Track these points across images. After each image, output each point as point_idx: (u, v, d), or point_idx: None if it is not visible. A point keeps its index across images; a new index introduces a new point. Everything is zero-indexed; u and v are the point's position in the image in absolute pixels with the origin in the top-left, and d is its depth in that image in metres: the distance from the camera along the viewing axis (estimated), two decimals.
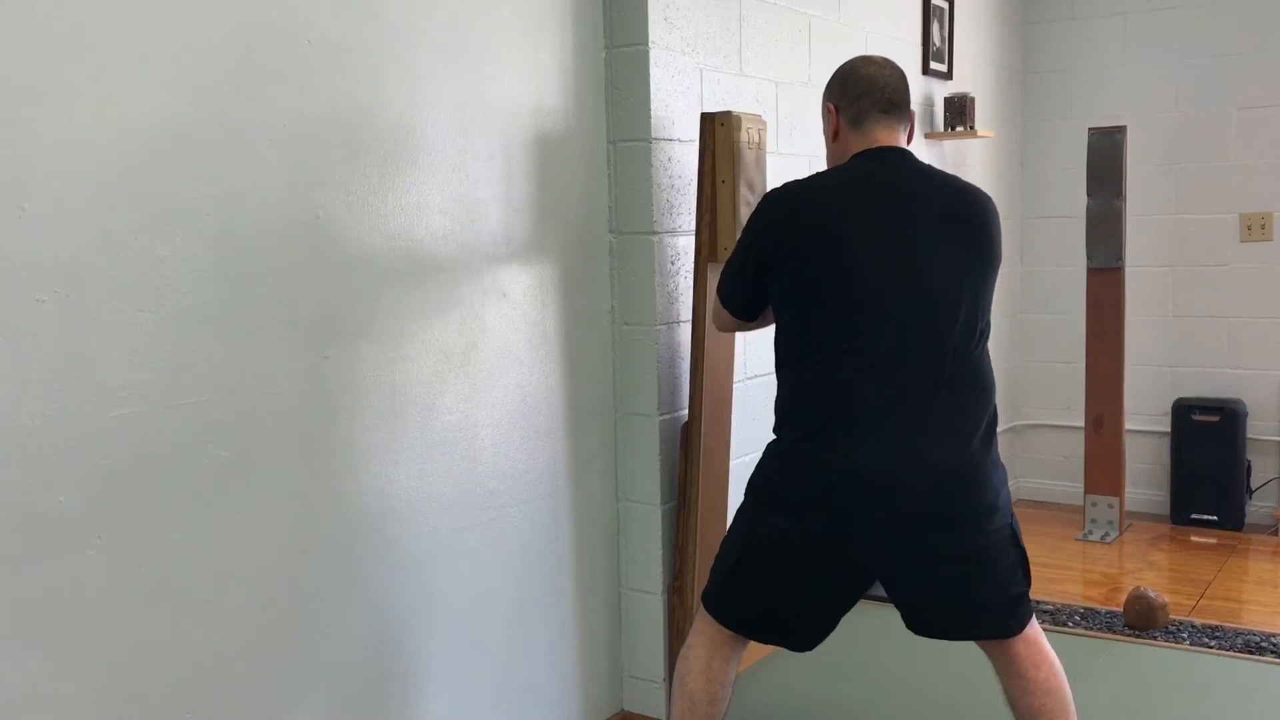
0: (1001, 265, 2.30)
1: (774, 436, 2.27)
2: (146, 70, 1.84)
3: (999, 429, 2.26)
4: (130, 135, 1.82)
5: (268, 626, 2.07)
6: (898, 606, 2.30)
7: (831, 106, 2.33)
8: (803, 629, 2.30)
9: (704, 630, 2.32)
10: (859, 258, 2.14)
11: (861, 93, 2.27)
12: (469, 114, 2.45)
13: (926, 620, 2.28)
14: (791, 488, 2.20)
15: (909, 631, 2.30)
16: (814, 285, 2.17)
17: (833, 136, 2.34)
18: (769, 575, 2.25)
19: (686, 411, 2.92)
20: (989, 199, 2.28)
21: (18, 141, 1.68)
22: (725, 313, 2.40)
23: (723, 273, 2.38)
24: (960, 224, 2.20)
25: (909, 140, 2.32)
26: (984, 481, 2.16)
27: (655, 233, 2.83)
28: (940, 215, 2.19)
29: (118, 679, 1.84)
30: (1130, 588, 3.76)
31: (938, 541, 2.16)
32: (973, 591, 2.21)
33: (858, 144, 2.27)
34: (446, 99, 2.39)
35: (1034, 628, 2.26)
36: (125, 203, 1.81)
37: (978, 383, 2.18)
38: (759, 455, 2.29)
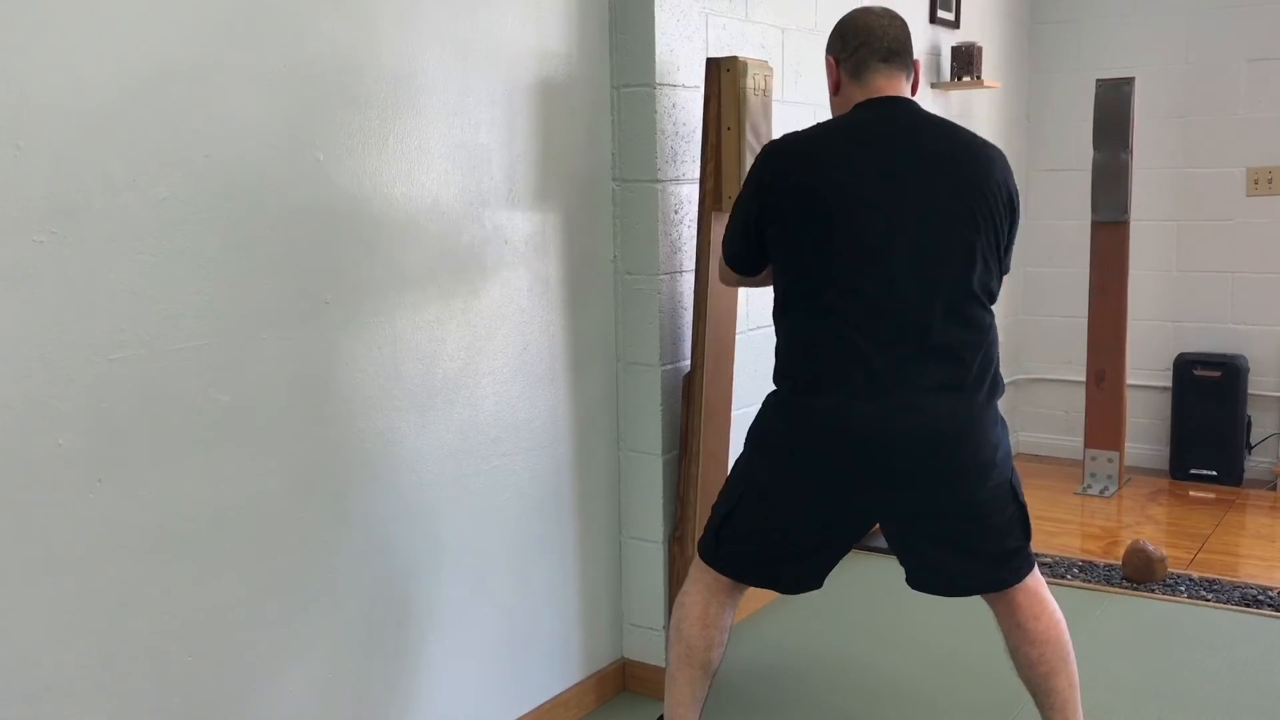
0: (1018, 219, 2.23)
1: (774, 388, 2.26)
2: (145, 8, 1.80)
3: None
4: (129, 74, 1.78)
5: (269, 572, 2.07)
6: (899, 560, 2.31)
7: (832, 60, 2.30)
8: (792, 575, 2.32)
9: (700, 578, 2.34)
10: (853, 208, 2.11)
11: (861, 43, 2.24)
12: (471, 57, 2.41)
13: (925, 575, 2.29)
14: (790, 439, 2.20)
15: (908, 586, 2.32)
16: (808, 236, 2.15)
17: (834, 90, 2.31)
18: (761, 523, 2.25)
19: (689, 362, 2.91)
20: (992, 150, 2.20)
21: (12, 78, 1.64)
22: (729, 269, 2.38)
23: (726, 227, 2.36)
24: (956, 176, 2.13)
25: (914, 90, 2.28)
26: (983, 437, 2.14)
27: (659, 181, 2.80)
28: (936, 166, 2.13)
29: (118, 622, 1.83)
30: (1129, 541, 3.78)
31: (936, 496, 2.16)
32: (970, 545, 2.22)
33: (859, 95, 2.25)
34: (448, 40, 2.35)
35: (1035, 578, 2.26)
36: (124, 142, 1.78)
37: (977, 340, 2.14)
38: (760, 406, 2.28)
